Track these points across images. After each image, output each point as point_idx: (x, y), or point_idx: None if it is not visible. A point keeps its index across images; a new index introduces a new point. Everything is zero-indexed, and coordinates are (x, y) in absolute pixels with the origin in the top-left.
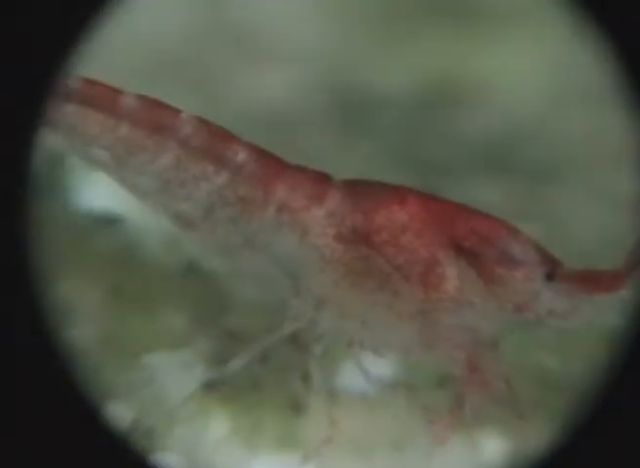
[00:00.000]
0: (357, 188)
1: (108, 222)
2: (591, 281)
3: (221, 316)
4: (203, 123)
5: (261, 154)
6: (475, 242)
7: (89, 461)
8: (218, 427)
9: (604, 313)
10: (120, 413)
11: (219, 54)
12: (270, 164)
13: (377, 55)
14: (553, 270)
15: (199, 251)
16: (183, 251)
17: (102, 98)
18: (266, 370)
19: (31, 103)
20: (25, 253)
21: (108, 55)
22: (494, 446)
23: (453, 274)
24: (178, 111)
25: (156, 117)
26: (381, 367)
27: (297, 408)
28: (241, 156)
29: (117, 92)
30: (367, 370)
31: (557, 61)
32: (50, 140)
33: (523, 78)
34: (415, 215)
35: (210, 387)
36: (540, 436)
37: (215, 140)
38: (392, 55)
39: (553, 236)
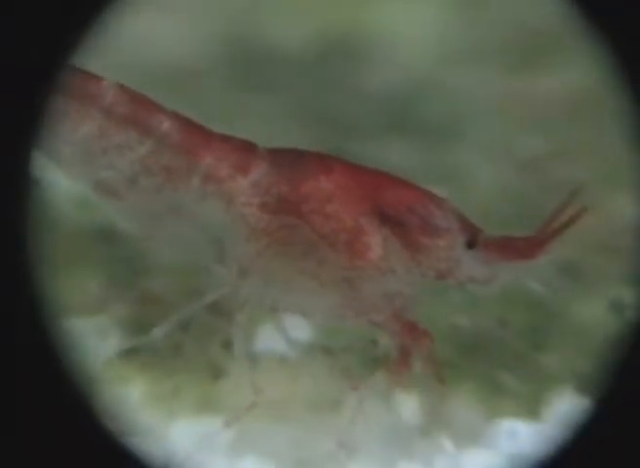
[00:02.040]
0: (283, 157)
1: None
2: (509, 248)
3: (138, 280)
4: (126, 91)
5: (186, 123)
6: (399, 211)
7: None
8: (136, 392)
9: (521, 278)
10: None
11: None
12: (195, 133)
13: (275, 7)
14: (474, 238)
15: (115, 214)
16: (98, 213)
17: None
18: (187, 336)
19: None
20: None
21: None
22: (411, 408)
23: (377, 242)
24: (100, 79)
25: (78, 85)
26: (301, 331)
27: (217, 373)
28: (165, 125)
29: None
30: (287, 334)
31: (465, 16)
32: None
33: (425, 32)
34: (341, 185)
35: (129, 354)
36: (456, 398)
37: (138, 109)
38: (292, 7)
39: (456, 198)
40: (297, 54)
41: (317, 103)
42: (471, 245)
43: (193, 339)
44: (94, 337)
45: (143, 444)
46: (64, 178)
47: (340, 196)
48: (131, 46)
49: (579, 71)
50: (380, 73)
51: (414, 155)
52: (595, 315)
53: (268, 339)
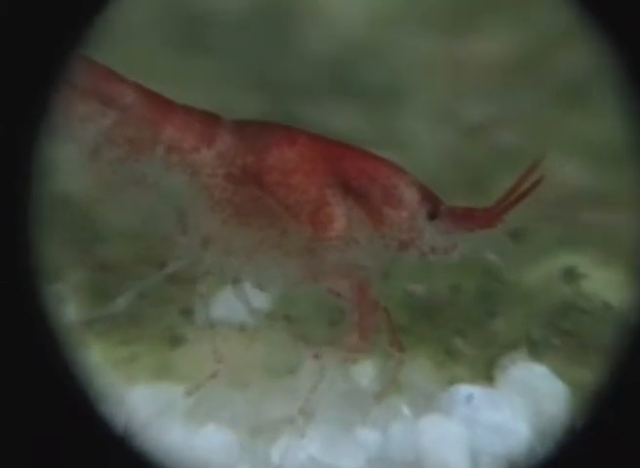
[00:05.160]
0: (247, 129)
1: None
2: (469, 218)
3: (95, 248)
4: (87, 62)
5: (149, 95)
6: (363, 182)
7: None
8: (94, 359)
9: (480, 247)
10: None
11: None
12: (158, 105)
13: None
14: (435, 208)
15: (75, 182)
16: (52, 178)
17: None
18: (145, 304)
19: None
20: None
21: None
22: (368, 374)
23: (341, 213)
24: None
25: None
26: (261, 299)
27: (175, 341)
28: (128, 97)
29: None
30: (248, 302)
31: None
32: None
33: None
34: (305, 156)
35: (88, 323)
36: (412, 364)
37: (99, 81)
38: None
39: (400, 163)
40: (235, 17)
41: (258, 68)
42: (433, 216)
43: (151, 307)
44: (53, 303)
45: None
46: None
47: (304, 168)
48: None
49: (518, 33)
50: (320, 37)
51: (357, 120)
52: (545, 281)
53: (227, 307)
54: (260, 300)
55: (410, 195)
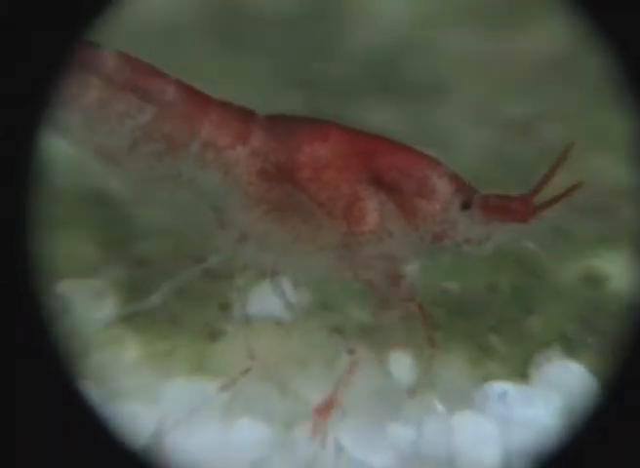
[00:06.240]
0: (280, 124)
1: None
2: (504, 209)
3: (133, 244)
4: (126, 59)
5: (187, 90)
6: (395, 175)
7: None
8: (130, 353)
9: (514, 239)
10: None
11: None
12: (196, 100)
13: None
14: (469, 199)
15: (113, 179)
16: (93, 177)
17: None
18: (183, 299)
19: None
20: None
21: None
22: (402, 369)
23: (374, 208)
24: (99, 47)
25: (79, 54)
26: (296, 292)
27: (213, 336)
28: (167, 93)
29: None
30: (284, 295)
31: None
32: None
33: None
34: (337, 152)
35: (125, 318)
36: (446, 361)
37: (139, 76)
38: None
39: (443, 160)
40: (280, 15)
41: (301, 66)
42: (466, 206)
43: (189, 302)
44: (89, 300)
45: (136, 406)
46: (62, 144)
47: (336, 163)
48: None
49: (564, 30)
50: (363, 35)
51: (399, 118)
52: (581, 279)
53: (264, 302)
54: (296, 294)
55: (442, 187)
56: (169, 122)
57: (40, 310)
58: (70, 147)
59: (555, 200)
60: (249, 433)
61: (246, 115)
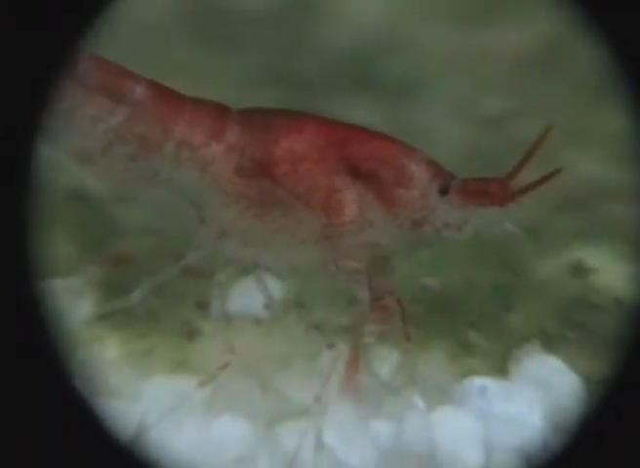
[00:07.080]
0: (255, 118)
1: None
2: (482, 192)
3: (111, 243)
4: (96, 61)
5: (157, 89)
6: (372, 165)
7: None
8: (111, 352)
9: (493, 223)
10: None
11: None
12: (167, 100)
13: None
14: (447, 184)
15: (90, 178)
16: (71, 177)
17: None
18: (161, 298)
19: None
20: None
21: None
22: (382, 365)
23: (352, 199)
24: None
25: None
26: (277, 287)
27: (191, 334)
28: (138, 93)
29: None
30: (266, 290)
31: None
32: None
33: None
34: (313, 143)
35: (104, 316)
36: (426, 357)
37: (110, 78)
38: None
39: None
40: (256, 12)
41: (278, 62)
42: (444, 191)
43: (168, 300)
44: (67, 299)
45: (117, 403)
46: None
47: (313, 156)
48: None
49: (542, 25)
50: (340, 31)
51: (377, 114)
52: (560, 274)
53: (243, 300)
54: (277, 289)
55: (420, 173)
56: (141, 123)
57: (36, 309)
58: (47, 148)
59: (534, 185)
60: (231, 430)
61: (220, 111)
